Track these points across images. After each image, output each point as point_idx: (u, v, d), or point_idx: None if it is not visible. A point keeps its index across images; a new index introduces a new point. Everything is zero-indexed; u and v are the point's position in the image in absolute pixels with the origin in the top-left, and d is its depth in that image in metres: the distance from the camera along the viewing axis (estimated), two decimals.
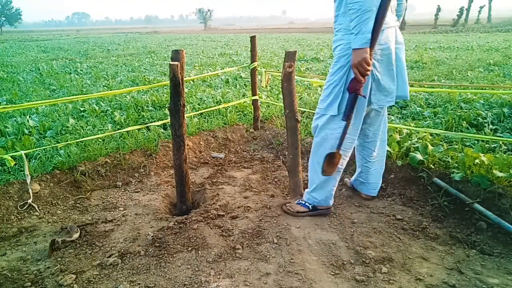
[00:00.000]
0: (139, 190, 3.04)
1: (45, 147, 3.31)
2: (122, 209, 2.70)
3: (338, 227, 2.32)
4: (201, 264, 1.99)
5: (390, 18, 2.18)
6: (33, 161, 3.16)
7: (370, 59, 1.99)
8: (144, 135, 3.80)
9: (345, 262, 1.98)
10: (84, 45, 24.36)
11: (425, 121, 4.05)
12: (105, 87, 7.17)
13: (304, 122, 4.08)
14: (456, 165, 2.72)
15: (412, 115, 4.41)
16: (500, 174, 2.39)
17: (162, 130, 4.01)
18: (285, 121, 2.66)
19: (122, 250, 2.11)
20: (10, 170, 3.06)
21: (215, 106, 4.86)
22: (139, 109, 5.15)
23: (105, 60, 13.27)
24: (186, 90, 6.08)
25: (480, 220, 2.27)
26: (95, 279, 1.90)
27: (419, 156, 2.75)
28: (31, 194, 2.69)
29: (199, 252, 2.08)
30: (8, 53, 18.04)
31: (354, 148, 2.49)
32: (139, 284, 1.86)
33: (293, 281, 1.83)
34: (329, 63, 9.13)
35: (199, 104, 5.24)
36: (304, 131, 3.88)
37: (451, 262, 1.96)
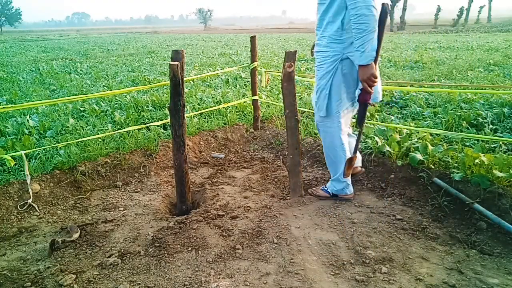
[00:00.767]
0: (139, 190, 3.04)
1: (45, 147, 3.31)
2: (122, 209, 2.70)
3: (338, 227, 2.32)
4: (201, 264, 1.99)
5: None
6: (33, 161, 3.16)
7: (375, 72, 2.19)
8: (144, 135, 3.80)
9: (345, 262, 1.98)
10: (84, 45, 24.36)
11: (425, 121, 4.05)
12: (105, 87, 7.17)
13: (304, 122, 4.08)
14: (456, 165, 2.72)
15: (412, 115, 4.41)
16: (500, 174, 2.39)
17: (162, 130, 4.01)
18: (285, 121, 2.67)
19: (122, 250, 2.11)
20: (10, 170, 3.06)
21: (215, 106, 4.86)
22: (139, 109, 5.15)
23: (105, 60, 13.28)
24: (186, 90, 6.08)
25: (480, 220, 2.27)
26: (95, 279, 1.90)
27: (419, 156, 2.75)
28: (31, 194, 2.69)
29: (199, 252, 2.08)
30: (8, 53, 18.05)
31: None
32: (139, 284, 1.86)
33: (293, 281, 1.83)
34: None
35: (199, 104, 5.24)
36: (304, 131, 3.88)
37: (451, 262, 1.96)
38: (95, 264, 2.02)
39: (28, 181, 2.69)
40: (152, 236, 2.22)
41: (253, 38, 3.98)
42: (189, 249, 2.11)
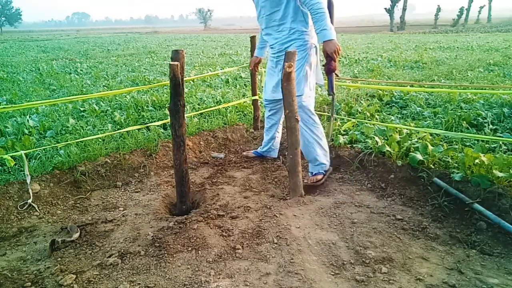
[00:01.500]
0: (139, 190, 3.04)
1: (45, 147, 3.31)
2: (122, 209, 2.70)
3: (338, 227, 2.32)
4: (201, 264, 1.99)
5: None
6: (33, 161, 3.16)
7: None
8: (144, 135, 3.80)
9: (345, 262, 1.98)
10: (84, 45, 24.36)
11: (425, 121, 4.05)
12: (105, 87, 7.17)
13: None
14: (456, 165, 2.72)
15: (412, 115, 4.41)
16: (500, 174, 2.39)
17: (162, 130, 4.01)
18: (285, 121, 2.67)
19: (122, 250, 2.11)
20: (10, 170, 3.06)
21: (215, 106, 4.86)
22: (139, 109, 5.15)
23: (105, 60, 13.28)
24: (186, 90, 6.07)
25: (480, 220, 2.27)
26: (95, 279, 1.90)
27: (419, 156, 2.75)
28: (31, 194, 2.69)
29: (199, 252, 2.08)
30: (8, 53, 18.05)
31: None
32: (139, 284, 1.86)
33: (293, 281, 1.83)
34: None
35: (199, 104, 5.24)
36: None
37: (451, 262, 1.96)
38: (95, 264, 2.02)
39: (28, 181, 2.69)
40: (152, 236, 2.22)
41: (253, 38, 3.98)
42: (189, 249, 2.11)
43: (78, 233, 2.31)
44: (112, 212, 2.66)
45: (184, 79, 2.48)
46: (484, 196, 2.36)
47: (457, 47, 13.90)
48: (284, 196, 2.78)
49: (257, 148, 3.66)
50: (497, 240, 2.14)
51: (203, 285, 1.83)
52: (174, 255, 2.06)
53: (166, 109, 4.51)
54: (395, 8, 44.06)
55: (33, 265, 2.04)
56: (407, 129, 3.35)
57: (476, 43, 15.41)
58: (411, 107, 4.72)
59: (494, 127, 3.75)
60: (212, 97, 5.63)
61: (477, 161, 2.52)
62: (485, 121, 3.89)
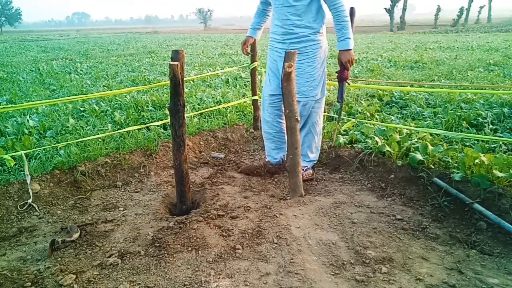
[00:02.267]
0: (139, 190, 3.04)
1: (45, 147, 3.31)
2: (122, 209, 2.70)
3: (338, 227, 2.32)
4: (201, 264, 1.99)
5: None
6: (33, 161, 3.16)
7: None
8: (144, 135, 3.80)
9: (345, 262, 1.98)
10: (84, 45, 24.36)
11: (425, 121, 4.05)
12: (105, 87, 7.17)
13: None
14: (456, 165, 2.72)
15: (412, 115, 4.41)
16: (500, 174, 2.39)
17: (162, 130, 4.01)
18: (285, 121, 2.67)
19: (122, 250, 2.11)
20: (10, 170, 3.06)
21: (215, 106, 4.86)
22: (139, 109, 5.15)
23: (105, 60, 13.28)
24: (186, 90, 6.07)
25: (480, 220, 2.27)
26: (95, 279, 1.90)
27: (419, 156, 2.75)
28: (31, 194, 2.69)
29: (199, 252, 2.08)
30: (8, 53, 18.05)
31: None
32: (139, 284, 1.86)
33: (293, 281, 1.83)
34: (329, 63, 9.13)
35: (199, 104, 5.24)
36: None
37: (451, 262, 1.96)
38: (95, 264, 2.02)
39: (28, 181, 2.69)
40: (152, 236, 2.22)
41: None
42: (189, 249, 2.11)
43: (78, 233, 2.31)
44: (112, 212, 2.66)
45: (184, 79, 2.48)
46: (484, 196, 2.36)
47: (457, 47, 13.91)
48: (284, 196, 2.78)
49: (261, 155, 3.49)
50: (497, 240, 2.14)
51: (203, 285, 1.83)
52: (174, 255, 2.06)
53: (166, 109, 4.50)
54: (395, 8, 44.09)
55: (33, 265, 2.04)
56: (407, 129, 3.35)
57: (476, 43, 15.41)
58: (411, 107, 4.72)
59: (494, 127, 3.75)
60: (212, 97, 5.63)
61: (477, 161, 2.52)
62: (485, 121, 3.89)
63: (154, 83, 6.82)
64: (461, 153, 2.83)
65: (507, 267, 1.92)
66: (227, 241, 2.19)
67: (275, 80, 2.97)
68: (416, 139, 3.12)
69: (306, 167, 3.07)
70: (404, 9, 43.93)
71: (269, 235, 2.22)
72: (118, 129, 4.01)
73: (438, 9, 47.68)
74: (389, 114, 4.48)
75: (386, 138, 3.27)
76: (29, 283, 1.88)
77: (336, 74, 2.90)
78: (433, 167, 2.74)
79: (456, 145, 3.10)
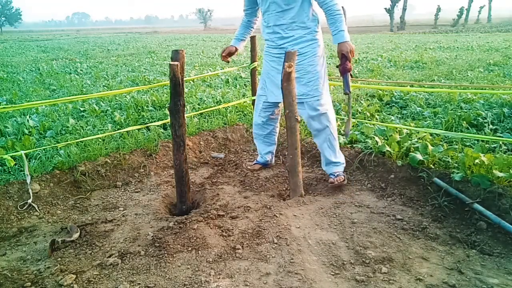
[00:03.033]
0: (139, 190, 3.04)
1: (45, 147, 3.31)
2: (122, 209, 2.70)
3: (338, 227, 2.32)
4: (201, 264, 1.99)
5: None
6: (33, 161, 3.16)
7: None
8: (144, 135, 3.80)
9: (345, 262, 1.98)
10: (84, 45, 24.36)
11: (425, 121, 4.05)
12: (105, 87, 7.17)
13: (303, 122, 4.08)
14: (456, 165, 2.72)
15: (412, 115, 4.41)
16: (500, 174, 2.39)
17: (162, 130, 4.01)
18: (285, 121, 2.67)
19: (122, 250, 2.11)
20: (10, 170, 3.06)
21: (215, 106, 4.86)
22: (139, 109, 5.15)
23: (105, 60, 13.28)
24: (186, 90, 6.07)
25: (480, 220, 2.27)
26: (95, 279, 1.90)
27: (419, 156, 2.75)
28: (31, 194, 2.69)
29: (199, 252, 2.08)
30: (8, 53, 18.04)
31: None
32: (139, 284, 1.86)
33: (293, 281, 1.83)
34: (329, 63, 9.13)
35: (199, 104, 5.24)
36: (304, 131, 3.88)
37: (451, 262, 1.96)
38: (95, 264, 2.02)
39: (28, 181, 2.69)
40: (152, 236, 2.22)
41: (253, 38, 3.98)
42: (189, 249, 2.11)
43: (78, 233, 2.31)
44: (112, 212, 2.66)
45: (184, 79, 2.48)
46: (484, 196, 2.36)
47: (457, 47, 13.90)
48: (284, 196, 2.78)
49: (256, 158, 3.45)
50: (497, 240, 2.14)
51: (203, 285, 1.83)
52: (174, 255, 2.06)
53: (166, 109, 4.50)
54: (395, 8, 44.09)
55: (33, 265, 2.04)
56: (407, 129, 3.35)
57: (476, 43, 15.40)
58: (411, 107, 4.72)
59: (494, 127, 3.75)
60: (212, 97, 5.63)
61: (477, 161, 2.52)
62: (485, 121, 3.89)
63: (154, 83, 6.82)
64: (461, 153, 2.83)
65: (507, 267, 1.92)
66: (227, 241, 2.19)
67: (274, 89, 2.90)
68: (416, 139, 3.12)
69: (337, 172, 2.92)
70: (404, 9, 43.93)
71: (269, 235, 2.22)
72: (118, 129, 4.01)
73: (438, 9, 47.70)
74: (389, 114, 4.48)
75: (386, 138, 3.27)
76: (29, 283, 1.88)
77: (338, 68, 2.81)
78: (433, 167, 2.74)
79: (456, 145, 3.10)
